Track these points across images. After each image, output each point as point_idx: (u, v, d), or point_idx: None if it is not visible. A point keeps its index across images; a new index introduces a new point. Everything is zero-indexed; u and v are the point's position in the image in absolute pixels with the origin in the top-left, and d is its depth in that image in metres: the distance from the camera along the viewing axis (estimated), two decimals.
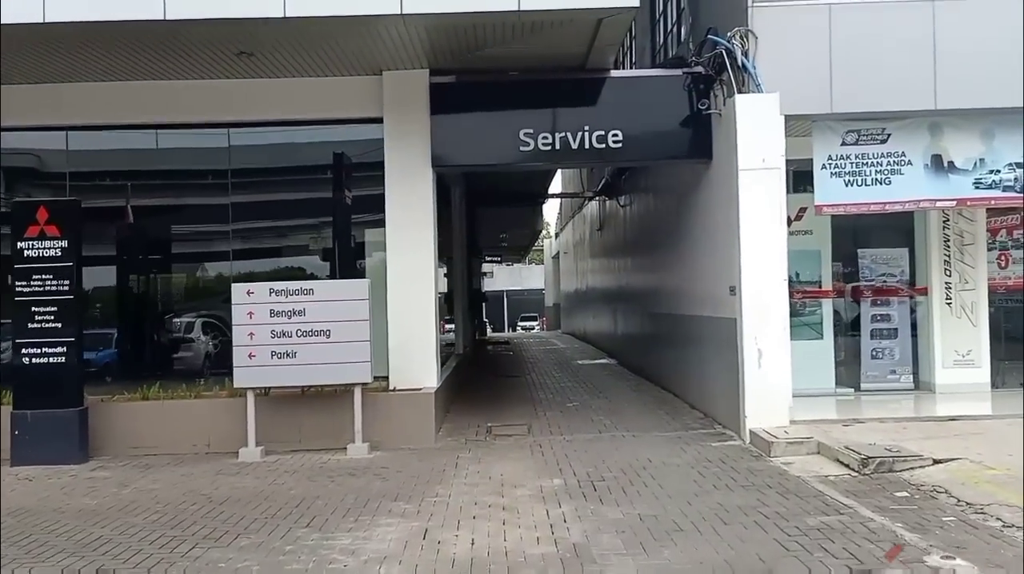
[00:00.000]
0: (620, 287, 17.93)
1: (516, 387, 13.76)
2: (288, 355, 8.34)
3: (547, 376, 15.60)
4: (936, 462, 6.81)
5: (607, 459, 7.78)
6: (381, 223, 9.57)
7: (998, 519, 5.43)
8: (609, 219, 19.36)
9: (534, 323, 56.67)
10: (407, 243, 9.45)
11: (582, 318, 27.13)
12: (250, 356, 8.33)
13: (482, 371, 16.59)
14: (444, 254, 17.28)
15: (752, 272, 8.50)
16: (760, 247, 8.51)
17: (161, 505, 6.51)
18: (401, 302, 9.37)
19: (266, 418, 8.70)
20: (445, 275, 18.70)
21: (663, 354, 12.83)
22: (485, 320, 52.07)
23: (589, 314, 24.68)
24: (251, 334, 8.35)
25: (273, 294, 8.40)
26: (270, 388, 8.70)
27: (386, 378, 9.30)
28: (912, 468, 6.75)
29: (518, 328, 58.27)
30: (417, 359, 9.36)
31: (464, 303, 17.93)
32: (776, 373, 8.36)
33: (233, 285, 8.55)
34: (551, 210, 43.86)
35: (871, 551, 4.87)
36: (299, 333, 8.37)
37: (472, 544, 5.30)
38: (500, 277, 63.62)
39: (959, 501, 5.91)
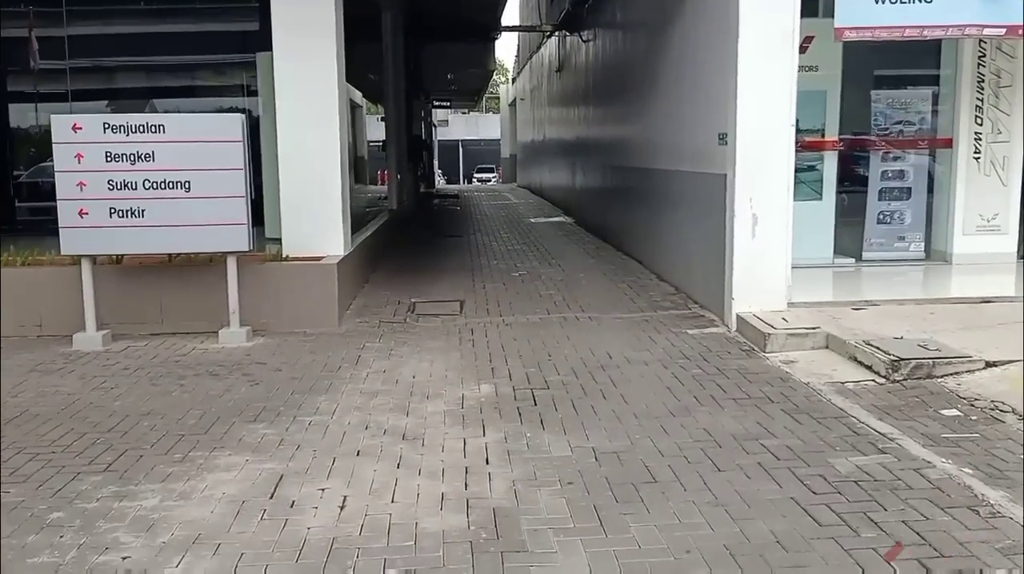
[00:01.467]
0: (580, 137, 15.77)
1: (456, 251, 11.85)
2: (133, 214, 6.23)
3: (494, 237, 13.68)
4: (989, 365, 5.14)
5: (555, 353, 6.00)
6: None
7: None
8: (569, 58, 16.92)
9: (491, 175, 54.31)
10: (302, 74, 7.20)
11: (538, 171, 24.99)
12: (81, 214, 6.21)
13: (419, 231, 14.59)
14: (375, 95, 14.94)
15: (750, 114, 6.49)
16: (763, 80, 6.48)
17: None
18: (296, 150, 7.21)
19: (119, 292, 6.75)
20: (381, 119, 16.40)
21: (627, 215, 10.94)
22: (438, 171, 49.68)
23: (545, 167, 22.55)
24: (81, 184, 6.19)
25: (109, 130, 6.19)
26: (122, 255, 6.69)
27: (281, 242, 7.34)
28: (958, 373, 5.07)
29: (474, 180, 55.91)
30: (318, 221, 7.34)
31: (400, 152, 15.67)
32: (774, 245, 6.53)
33: (53, 117, 6.26)
34: (507, 50, 40.48)
35: (948, 527, 3.19)
36: (147, 184, 6.23)
37: (341, 510, 3.49)
38: (456, 126, 60.53)
39: None
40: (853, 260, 8.54)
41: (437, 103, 26.23)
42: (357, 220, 10.25)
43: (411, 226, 14.68)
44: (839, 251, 8.52)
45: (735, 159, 6.52)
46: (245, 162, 6.32)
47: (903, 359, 5.11)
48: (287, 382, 5.40)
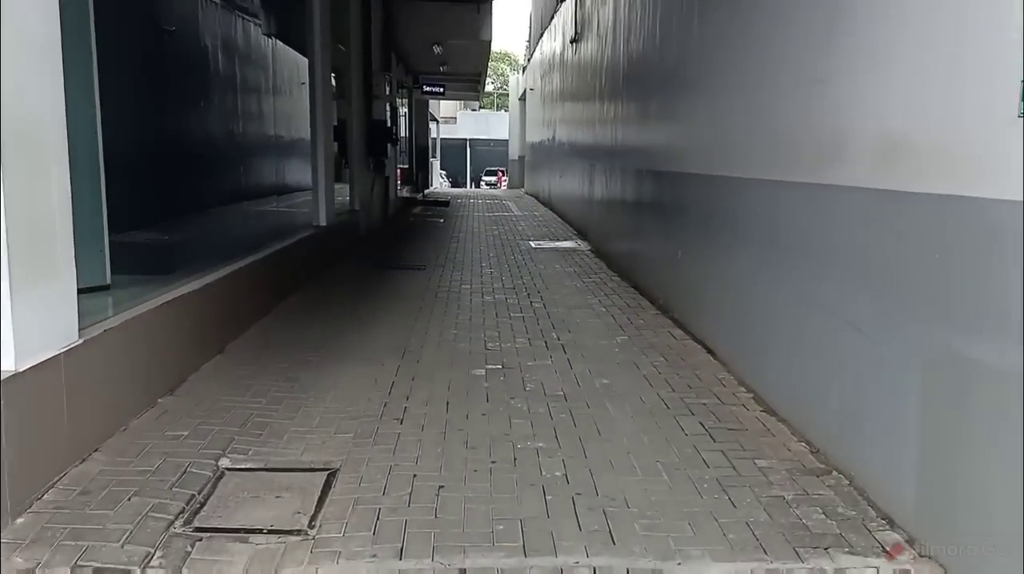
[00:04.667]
0: (604, 131, 11.23)
1: (399, 304, 7.36)
2: None
3: (470, 272, 9.19)
4: None
5: None
6: None
7: None
8: (590, 20, 12.40)
9: (493, 179, 49.81)
10: None
11: (547, 177, 20.47)
12: None
13: (360, 260, 10.07)
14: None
15: None
16: None
17: None
18: None
19: None
20: (334, 96, 12.03)
21: (687, 262, 6.41)
22: (440, 172, 45.01)
23: (556, 172, 18.04)
24: None
25: None
26: None
27: None
28: None
29: (482, 184, 51.43)
30: None
31: (352, 142, 11.22)
32: None
33: None
34: (518, 36, 35.45)
35: None
36: None
37: None
38: (464, 124, 56.12)
39: None
40: None
41: (428, 89, 21.84)
42: (228, 247, 5.83)
43: (348, 252, 10.17)
44: None
45: None
46: None
47: None
48: None
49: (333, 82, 12.28)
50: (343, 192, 11.62)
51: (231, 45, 10.21)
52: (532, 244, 12.03)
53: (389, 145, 12.57)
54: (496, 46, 50.20)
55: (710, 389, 4.73)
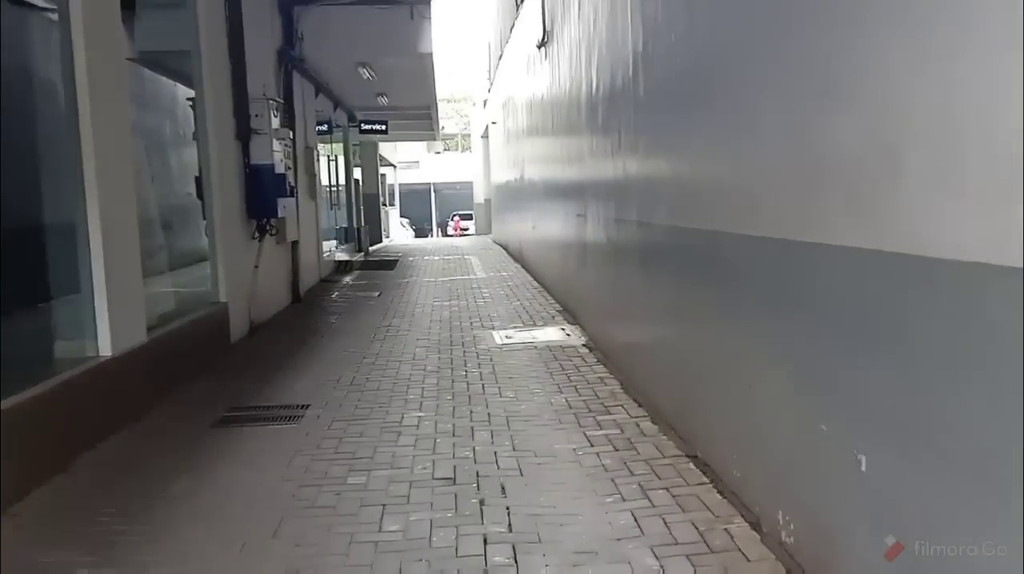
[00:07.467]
0: (602, 166, 7.30)
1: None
2: None
3: (379, 425, 5.16)
4: None
5: None
6: None
7: None
8: (565, 10, 8.56)
9: (468, 224, 45.81)
10: None
11: (517, 225, 16.53)
12: None
13: (209, 394, 6.01)
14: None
15: None
16: None
17: None
18: None
19: None
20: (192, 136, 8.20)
21: (905, 468, 2.44)
22: (402, 222, 41.04)
23: (527, 219, 14.10)
24: None
25: None
26: None
27: None
28: None
29: (449, 229, 47.59)
30: None
31: (214, 197, 7.28)
32: None
33: None
34: (476, 68, 31.59)
35: None
36: None
37: None
38: (428, 167, 52.27)
39: None
40: None
41: (367, 127, 17.97)
42: None
43: (182, 386, 6.10)
44: None
45: None
46: None
47: None
48: None
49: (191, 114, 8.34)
50: (201, 272, 7.60)
51: None
52: (497, 337, 8.01)
53: (283, 200, 8.60)
54: (456, 88, 46.59)
55: None
